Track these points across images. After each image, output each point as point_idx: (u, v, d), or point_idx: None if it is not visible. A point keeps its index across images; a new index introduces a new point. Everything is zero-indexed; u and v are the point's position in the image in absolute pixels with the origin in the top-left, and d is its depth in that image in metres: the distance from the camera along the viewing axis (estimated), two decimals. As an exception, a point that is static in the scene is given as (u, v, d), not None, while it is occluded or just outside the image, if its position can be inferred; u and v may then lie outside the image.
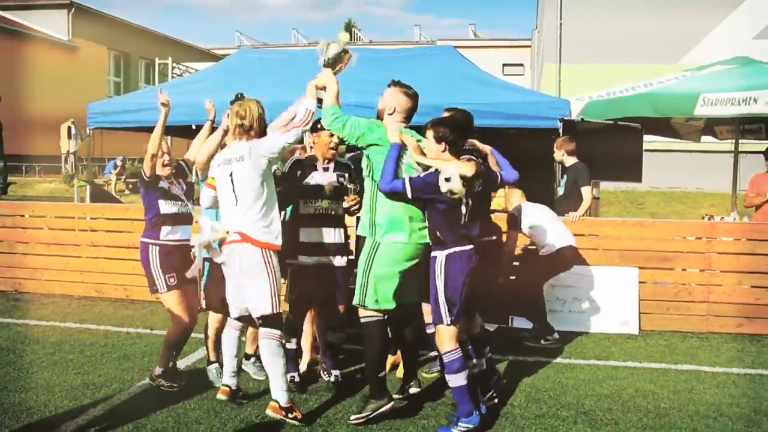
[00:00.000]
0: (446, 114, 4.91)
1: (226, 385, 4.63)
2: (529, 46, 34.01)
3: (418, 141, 4.35)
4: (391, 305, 4.26)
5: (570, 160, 7.15)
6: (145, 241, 4.86)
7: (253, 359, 5.25)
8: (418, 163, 4.27)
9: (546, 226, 6.23)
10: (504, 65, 35.33)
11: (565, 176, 7.29)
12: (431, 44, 32.55)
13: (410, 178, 4.16)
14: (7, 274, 8.32)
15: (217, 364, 5.10)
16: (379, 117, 4.41)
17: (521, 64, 35.65)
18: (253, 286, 4.20)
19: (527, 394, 4.91)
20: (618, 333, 6.61)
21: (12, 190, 21.51)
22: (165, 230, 4.83)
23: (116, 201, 12.33)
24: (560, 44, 21.04)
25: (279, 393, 4.21)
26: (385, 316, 4.33)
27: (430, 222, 4.22)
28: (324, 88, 4.32)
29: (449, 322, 4.16)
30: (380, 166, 4.19)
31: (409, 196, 4.13)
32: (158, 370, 4.91)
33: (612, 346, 6.22)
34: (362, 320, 4.31)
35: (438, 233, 4.17)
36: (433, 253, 4.22)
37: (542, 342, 6.13)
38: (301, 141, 4.60)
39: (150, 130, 4.88)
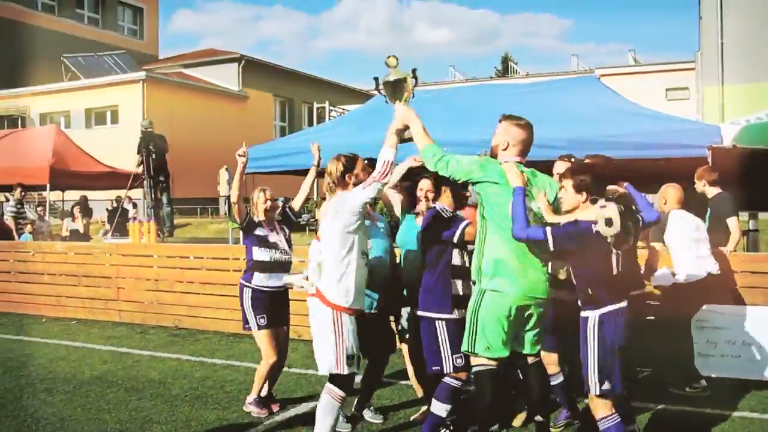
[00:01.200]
0: (588, 161, 4.73)
1: None
2: (693, 69, 31.95)
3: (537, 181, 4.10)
4: (504, 353, 4.00)
5: (712, 191, 6.57)
6: (241, 283, 5.21)
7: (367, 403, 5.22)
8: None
9: (690, 244, 5.70)
10: (667, 90, 33.38)
11: (708, 209, 6.72)
12: (589, 73, 31.56)
13: (552, 228, 3.79)
14: (169, 311, 9.06)
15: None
16: (493, 155, 4.16)
17: (686, 88, 33.47)
18: (320, 343, 4.17)
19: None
20: (780, 382, 5.92)
21: (188, 230, 23.52)
22: (258, 276, 5.13)
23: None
24: (722, 64, 19.56)
25: None
26: (498, 365, 4.05)
27: (578, 279, 3.90)
28: (407, 128, 4.12)
29: (597, 393, 3.80)
30: (495, 205, 3.93)
31: (551, 247, 3.75)
32: (250, 398, 5.31)
33: (770, 397, 5.58)
34: (473, 369, 4.09)
35: (590, 290, 3.82)
36: (583, 314, 3.87)
37: (687, 389, 5.62)
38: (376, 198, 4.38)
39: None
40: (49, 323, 9.53)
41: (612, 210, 3.66)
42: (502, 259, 3.92)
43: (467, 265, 4.54)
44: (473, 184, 4.09)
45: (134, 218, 11.79)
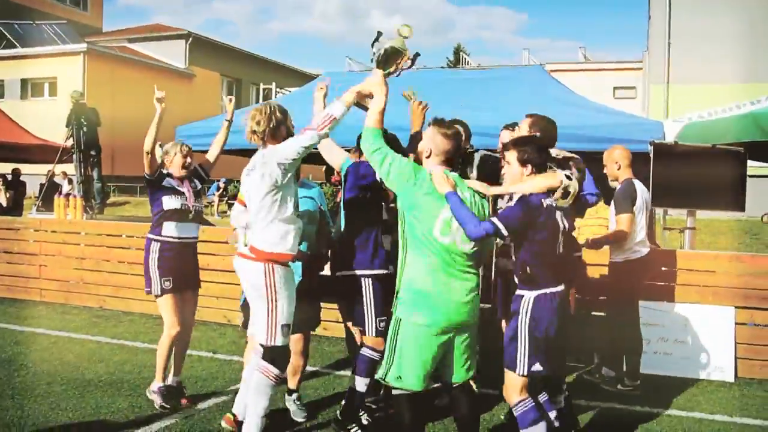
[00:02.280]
0: (527, 120, 4.51)
1: (233, 414, 4.33)
2: (641, 69, 32.55)
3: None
4: (418, 387, 3.62)
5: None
6: (148, 237, 4.84)
7: (295, 395, 4.85)
8: (496, 196, 3.85)
9: (644, 220, 5.47)
10: (615, 88, 33.91)
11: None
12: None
13: (499, 216, 3.56)
14: (94, 291, 8.63)
15: (296, 395, 4.81)
16: (418, 160, 3.85)
17: (633, 87, 34.11)
18: (255, 308, 3.91)
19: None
20: (709, 380, 5.92)
21: (125, 209, 22.81)
22: (168, 226, 4.76)
23: (208, 224, 12.61)
24: (668, 64, 19.90)
25: None
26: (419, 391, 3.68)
27: (518, 257, 3.71)
28: (369, 97, 3.81)
29: (525, 373, 3.64)
30: (419, 223, 3.55)
31: (506, 233, 3.52)
32: (154, 385, 4.86)
33: (700, 395, 5.55)
34: (393, 393, 3.74)
35: (528, 269, 3.65)
36: (518, 292, 3.72)
37: (619, 387, 5.55)
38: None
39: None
40: (-38, 301, 8.98)
41: (574, 184, 3.58)
42: (421, 289, 3.57)
43: (392, 221, 4.38)
44: (399, 193, 3.65)
45: (69, 194, 11.22)
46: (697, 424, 4.87)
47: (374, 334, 4.35)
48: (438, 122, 3.73)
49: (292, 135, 3.98)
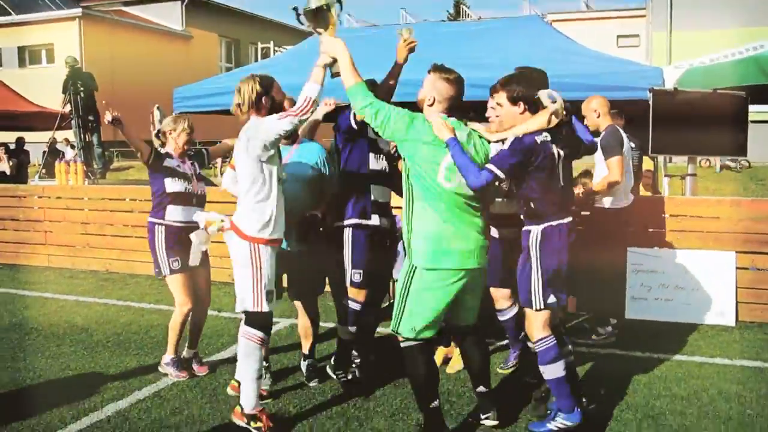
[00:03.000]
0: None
1: (237, 381, 4.24)
2: (644, 16, 32.00)
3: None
4: (430, 334, 3.69)
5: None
6: (151, 221, 4.72)
7: (309, 361, 4.81)
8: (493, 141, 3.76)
9: (630, 168, 5.42)
10: (618, 37, 33.43)
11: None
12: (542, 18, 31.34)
13: (493, 161, 3.55)
14: (99, 255, 8.71)
15: (309, 360, 4.80)
16: (419, 108, 3.79)
17: (636, 35, 33.59)
18: (239, 277, 3.91)
19: (591, 391, 4.44)
20: (711, 324, 5.96)
21: (129, 173, 22.84)
22: (171, 210, 4.67)
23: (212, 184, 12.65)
24: (671, 10, 19.54)
25: (244, 398, 3.88)
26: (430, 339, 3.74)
27: (521, 195, 3.73)
28: (335, 62, 3.72)
29: (542, 306, 3.68)
30: (424, 171, 3.55)
31: (503, 177, 3.53)
32: (167, 358, 4.80)
33: (701, 340, 5.61)
34: (401, 345, 3.73)
35: (532, 204, 3.67)
36: (526, 228, 3.74)
37: (594, 337, 5.51)
38: (296, 130, 4.06)
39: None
40: (-29, 268, 9.08)
41: (549, 90, 3.63)
42: (432, 234, 3.57)
43: (385, 171, 4.46)
44: (399, 144, 3.65)
45: (72, 160, 11.23)
46: (697, 368, 4.93)
47: (349, 284, 4.41)
48: (439, 68, 3.67)
49: (277, 104, 3.94)
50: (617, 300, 5.84)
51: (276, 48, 20.72)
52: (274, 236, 3.90)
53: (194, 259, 4.54)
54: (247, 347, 3.89)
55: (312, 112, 3.75)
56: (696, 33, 18.35)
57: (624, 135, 5.37)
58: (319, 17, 3.78)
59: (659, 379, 4.71)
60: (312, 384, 4.67)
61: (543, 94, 3.62)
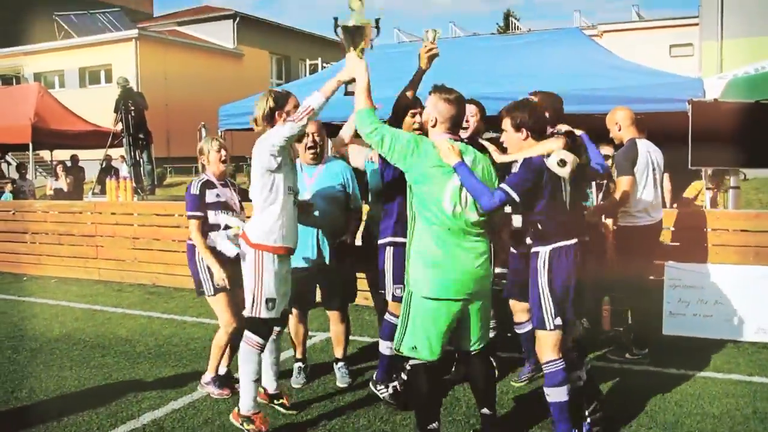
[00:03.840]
0: (531, 98, 4.53)
1: (263, 388, 4.48)
2: (698, 24, 31.29)
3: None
4: (432, 356, 3.63)
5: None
6: (190, 243, 4.73)
7: (341, 364, 5.06)
8: (500, 164, 3.82)
9: (652, 182, 5.24)
10: (671, 46, 32.79)
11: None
12: (592, 29, 30.98)
13: (506, 182, 3.58)
14: (147, 269, 9.00)
15: (341, 363, 5.04)
16: (424, 131, 3.78)
17: (690, 44, 32.86)
18: (245, 282, 4.08)
19: (620, 407, 4.42)
20: (751, 341, 5.81)
21: (182, 189, 23.42)
22: (212, 236, 4.62)
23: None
24: (721, 18, 19.07)
25: (241, 400, 4.07)
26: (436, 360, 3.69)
27: (528, 214, 3.77)
28: (352, 81, 3.81)
29: (553, 327, 3.69)
30: (427, 194, 3.55)
31: (517, 199, 3.53)
32: (207, 377, 4.82)
33: (740, 357, 5.48)
34: (409, 362, 3.77)
35: (539, 226, 3.70)
36: (534, 249, 3.77)
37: (627, 356, 5.41)
38: (301, 138, 4.21)
39: None
40: (29, 281, 9.50)
41: (565, 153, 3.55)
42: (431, 257, 3.56)
43: None
44: (405, 169, 3.61)
45: (125, 177, 11.65)
46: (734, 386, 4.82)
47: (391, 299, 4.47)
48: (438, 88, 3.68)
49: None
50: (648, 317, 5.70)
51: (324, 63, 21.04)
52: (279, 244, 4.00)
53: (229, 250, 4.54)
54: (244, 352, 4.07)
55: (309, 119, 3.84)
56: (747, 40, 17.88)
57: (644, 149, 5.24)
58: (356, 35, 3.86)
59: (692, 396, 4.63)
60: (343, 385, 4.89)
61: (552, 160, 3.57)
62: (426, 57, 3.99)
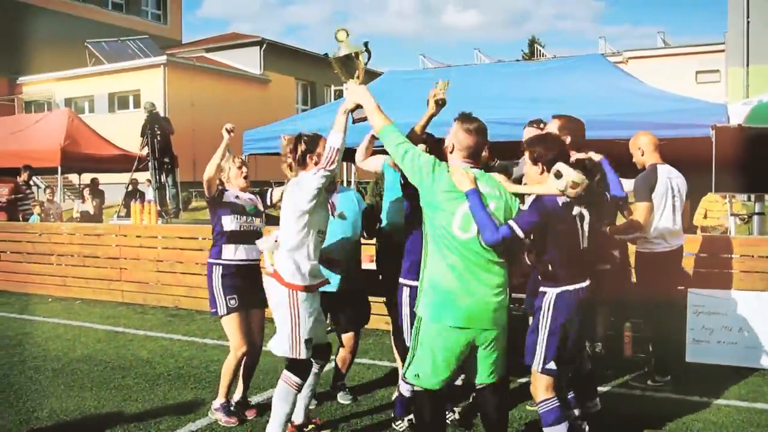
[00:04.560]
0: (554, 121, 4.53)
1: (291, 421, 4.32)
2: (724, 50, 31.09)
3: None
4: (436, 386, 3.57)
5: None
6: (209, 262, 4.74)
7: (341, 382, 5.18)
8: (515, 194, 3.73)
9: (671, 209, 5.19)
10: (697, 72, 32.60)
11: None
12: (617, 56, 30.95)
13: (514, 218, 3.52)
14: (169, 292, 9.08)
15: (341, 383, 5.18)
16: (444, 157, 3.74)
17: (716, 70, 32.64)
18: (278, 322, 4.03)
19: (641, 435, 4.36)
20: (777, 370, 5.71)
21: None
22: (227, 249, 4.67)
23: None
24: (747, 44, 18.93)
25: None
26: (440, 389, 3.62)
27: (538, 256, 3.72)
28: (356, 108, 3.83)
29: (539, 369, 3.67)
30: (438, 219, 3.50)
31: (522, 236, 3.47)
32: (217, 403, 4.75)
33: (764, 385, 5.37)
34: (414, 389, 3.73)
35: (550, 267, 3.65)
36: (542, 289, 3.72)
37: (649, 382, 5.33)
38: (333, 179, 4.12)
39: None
40: (54, 303, 9.62)
41: (561, 165, 3.51)
42: (441, 283, 3.49)
43: None
44: (420, 189, 3.59)
45: (150, 200, 11.83)
46: (758, 415, 4.73)
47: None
48: (461, 117, 3.67)
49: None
50: (669, 344, 5.59)
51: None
52: (311, 283, 4.02)
53: (264, 243, 4.44)
54: (282, 390, 4.03)
55: (338, 161, 3.86)
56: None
57: (665, 174, 5.20)
58: (348, 65, 3.91)
59: (715, 425, 4.54)
60: (346, 402, 5.05)
61: (552, 180, 3.55)
62: (433, 102, 4.03)
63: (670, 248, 5.23)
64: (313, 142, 4.12)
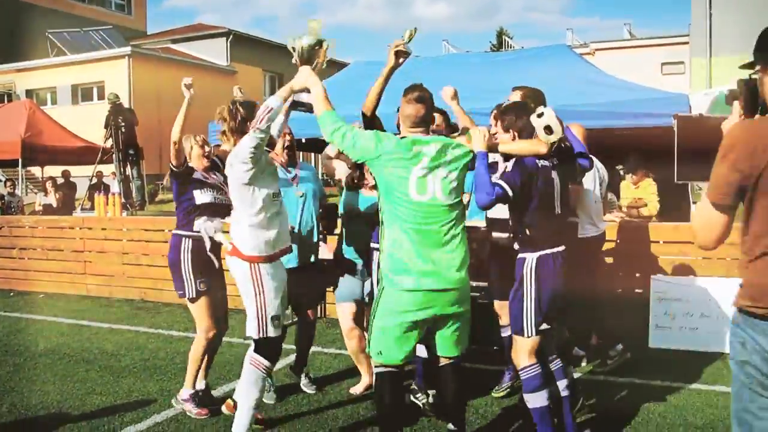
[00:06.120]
0: (515, 92, 4.57)
1: (234, 400, 4.26)
2: (688, 42, 31.59)
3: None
4: (398, 361, 3.55)
5: None
6: (177, 234, 4.55)
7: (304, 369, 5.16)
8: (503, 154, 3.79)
9: (598, 193, 5.27)
10: (663, 64, 33.11)
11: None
12: (584, 47, 31.24)
13: (501, 177, 3.62)
14: (135, 284, 8.97)
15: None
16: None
17: (681, 62, 33.17)
18: (246, 302, 3.91)
19: (603, 419, 4.41)
20: (737, 354, 5.82)
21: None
22: (200, 223, 4.51)
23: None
24: (710, 36, 19.25)
25: (237, 426, 3.83)
26: (399, 367, 3.60)
27: (517, 219, 3.78)
28: (308, 91, 3.81)
29: (532, 334, 3.69)
30: (391, 186, 3.49)
31: (511, 195, 3.58)
32: (185, 393, 4.60)
33: (725, 368, 5.47)
34: (374, 370, 3.68)
35: (528, 231, 3.71)
36: (520, 255, 3.76)
37: (609, 362, 5.45)
38: (270, 144, 4.15)
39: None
40: (16, 297, 9.43)
41: (549, 116, 3.59)
42: (400, 252, 3.46)
43: None
44: (370, 164, 3.59)
45: (115, 192, 11.65)
46: (717, 397, 4.83)
47: None
48: (405, 90, 3.69)
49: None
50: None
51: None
52: (273, 251, 3.87)
53: (209, 229, 4.49)
54: (251, 375, 3.86)
55: (270, 119, 3.71)
56: (736, 58, 17.99)
57: (595, 165, 5.19)
58: (310, 53, 3.94)
59: (676, 408, 4.63)
60: (309, 391, 5.07)
61: (538, 124, 3.64)
62: (392, 53, 3.88)
63: (589, 235, 5.21)
64: (251, 108, 3.98)
